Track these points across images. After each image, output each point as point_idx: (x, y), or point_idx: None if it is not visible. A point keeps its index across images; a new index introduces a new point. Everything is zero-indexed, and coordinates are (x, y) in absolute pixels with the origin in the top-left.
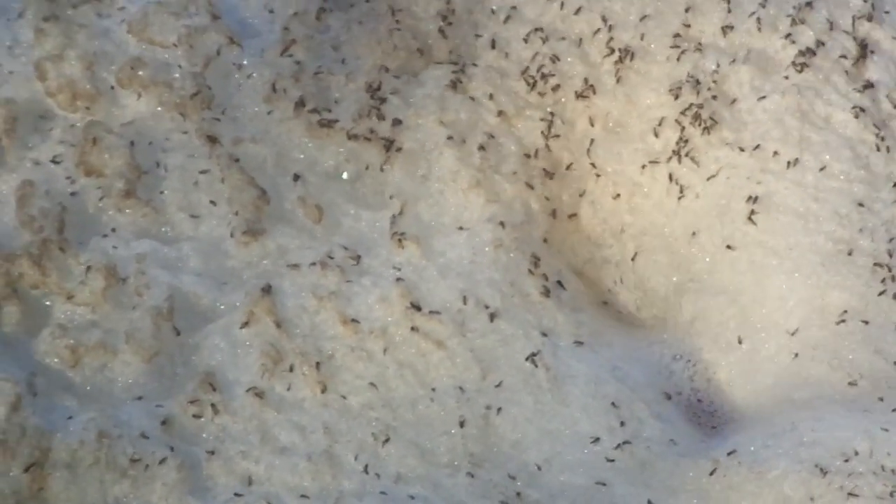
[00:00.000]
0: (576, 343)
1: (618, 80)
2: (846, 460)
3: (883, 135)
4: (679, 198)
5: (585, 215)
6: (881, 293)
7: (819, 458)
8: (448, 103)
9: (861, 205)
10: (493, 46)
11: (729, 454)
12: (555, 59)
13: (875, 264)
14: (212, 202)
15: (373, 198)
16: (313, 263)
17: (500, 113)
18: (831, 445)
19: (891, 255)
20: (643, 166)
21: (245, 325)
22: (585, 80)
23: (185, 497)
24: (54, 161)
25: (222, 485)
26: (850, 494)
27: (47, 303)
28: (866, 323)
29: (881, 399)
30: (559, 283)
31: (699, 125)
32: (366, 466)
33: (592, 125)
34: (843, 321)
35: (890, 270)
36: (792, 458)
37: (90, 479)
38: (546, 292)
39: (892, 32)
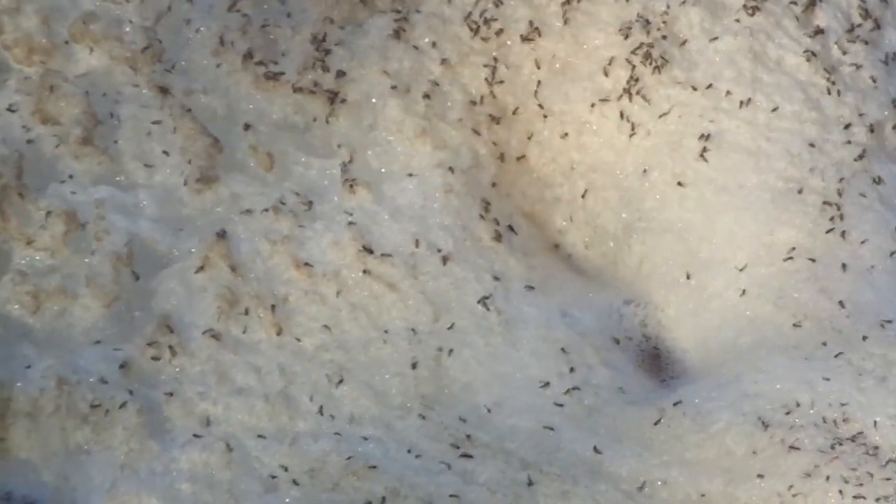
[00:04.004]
0: (527, 287)
1: (565, 22)
2: (787, 413)
3: (834, 79)
4: (630, 135)
5: (533, 156)
6: (829, 231)
7: (761, 411)
8: (391, 52)
9: (812, 145)
10: None
11: (675, 404)
12: (498, 2)
13: (824, 203)
14: (164, 152)
15: (322, 147)
16: (266, 209)
17: (443, 61)
18: (773, 397)
19: (840, 195)
20: (592, 105)
21: (200, 269)
22: (531, 23)
23: (145, 440)
24: (10, 110)
25: (181, 426)
26: (791, 448)
27: (7, 248)
28: (813, 261)
29: (824, 344)
30: (510, 227)
31: (650, 64)
32: (321, 408)
33: (538, 68)
34: (791, 258)
35: (839, 209)
36: (735, 411)
37: (51, 426)
38: (497, 237)
39: None
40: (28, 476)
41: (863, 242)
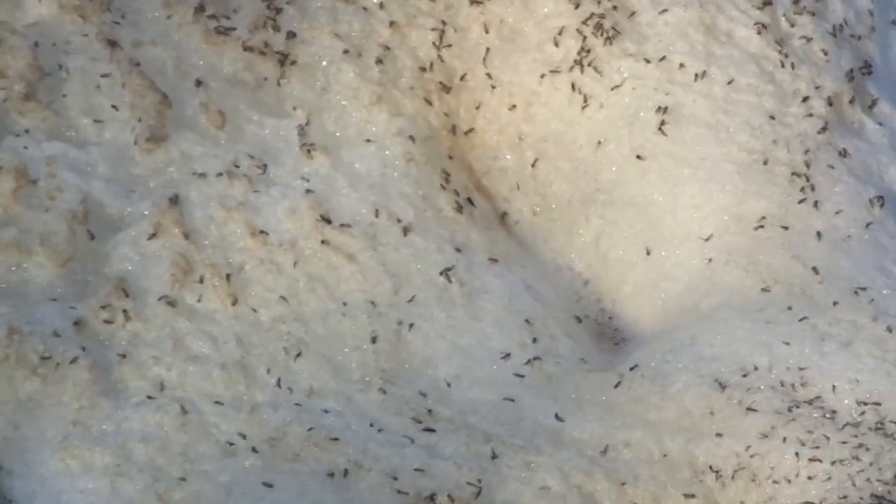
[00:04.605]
0: (490, 260)
1: None
2: (745, 375)
3: (786, 52)
4: (583, 107)
5: (481, 128)
6: (801, 201)
7: (718, 373)
8: (340, 14)
9: (773, 118)
10: None
11: (632, 369)
12: None
13: (793, 174)
14: (114, 107)
15: (275, 106)
16: (220, 173)
17: (391, 24)
18: (730, 360)
19: (808, 166)
20: (542, 76)
21: (153, 236)
22: None
23: (96, 397)
24: None
25: (134, 387)
26: (748, 409)
27: None
28: (786, 228)
29: (790, 308)
30: (469, 200)
31: (601, 35)
32: (278, 380)
33: (487, 32)
34: (762, 227)
35: (808, 180)
36: (692, 373)
37: (0, 375)
38: (459, 208)
39: None
40: None
41: (837, 213)
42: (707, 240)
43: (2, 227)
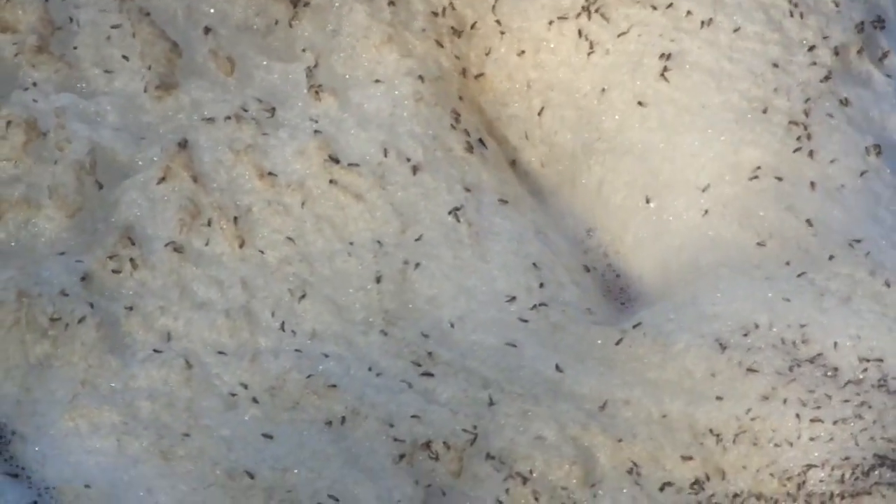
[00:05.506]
0: (500, 201)
1: None
2: (745, 334)
3: (796, 1)
4: (588, 53)
5: (491, 73)
6: (796, 150)
7: (719, 333)
8: None
9: (776, 65)
10: None
11: (635, 326)
12: None
13: (791, 122)
14: (124, 57)
15: (284, 51)
16: (228, 117)
17: None
18: (731, 319)
19: (807, 115)
20: (550, 22)
21: (162, 180)
22: None
23: (104, 356)
24: None
25: (141, 341)
26: (748, 370)
27: None
28: (780, 179)
29: (788, 263)
30: (480, 140)
31: None
32: (282, 323)
33: None
34: (756, 177)
35: (806, 129)
36: (694, 333)
37: (11, 339)
38: (469, 148)
39: None
40: None
41: (832, 162)
42: (704, 190)
43: (11, 183)
